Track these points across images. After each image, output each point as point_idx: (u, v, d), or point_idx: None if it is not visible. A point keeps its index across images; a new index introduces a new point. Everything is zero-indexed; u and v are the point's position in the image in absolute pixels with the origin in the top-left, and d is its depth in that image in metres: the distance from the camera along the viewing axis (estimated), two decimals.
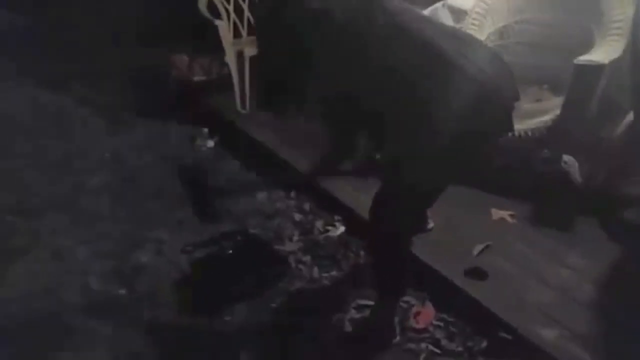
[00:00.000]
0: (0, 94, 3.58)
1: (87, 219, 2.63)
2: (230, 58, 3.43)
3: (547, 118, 2.64)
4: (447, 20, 2.96)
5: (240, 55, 3.37)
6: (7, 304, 2.17)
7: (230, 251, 2.49)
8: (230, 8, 3.39)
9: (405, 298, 2.19)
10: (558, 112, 2.57)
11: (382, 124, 1.82)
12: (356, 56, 1.73)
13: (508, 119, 1.85)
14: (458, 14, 2.97)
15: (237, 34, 3.45)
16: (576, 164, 2.56)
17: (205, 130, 3.40)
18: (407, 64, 1.71)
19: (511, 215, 2.54)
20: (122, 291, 2.26)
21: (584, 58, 2.42)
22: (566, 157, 2.55)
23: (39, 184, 2.85)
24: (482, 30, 2.85)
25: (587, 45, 2.60)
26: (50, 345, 2.02)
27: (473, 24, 2.87)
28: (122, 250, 2.46)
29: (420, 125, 1.72)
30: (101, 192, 2.83)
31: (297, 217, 2.70)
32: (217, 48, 3.40)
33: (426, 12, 2.96)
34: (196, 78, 3.72)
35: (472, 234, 2.43)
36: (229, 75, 3.46)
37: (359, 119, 1.92)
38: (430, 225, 2.44)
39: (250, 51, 3.29)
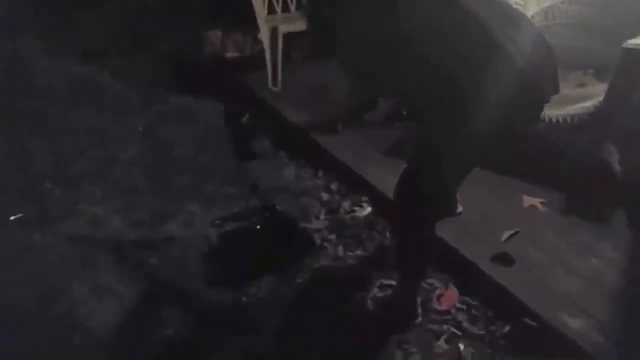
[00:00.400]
0: (37, 69, 3.66)
1: (120, 190, 2.70)
2: (263, 34, 3.43)
3: (589, 104, 2.55)
4: None
5: (274, 32, 3.36)
6: (44, 267, 2.25)
7: (258, 226, 2.52)
8: None
9: (429, 280, 2.18)
10: (601, 98, 2.49)
11: (414, 99, 1.79)
12: (393, 25, 1.67)
13: (538, 111, 1.80)
14: None
15: (271, 10, 3.44)
16: (617, 154, 2.48)
17: (237, 106, 3.42)
18: (446, 38, 1.64)
19: (542, 203, 2.49)
20: (153, 260, 2.30)
21: (632, 42, 2.33)
22: (606, 146, 2.48)
23: (74, 155, 2.93)
24: (526, 9, 2.78)
25: (637, 28, 2.50)
26: (83, 309, 2.09)
27: (517, 3, 2.79)
28: (154, 221, 2.51)
29: (452, 105, 1.67)
30: (134, 165, 2.88)
31: (324, 196, 2.70)
32: (252, 24, 3.40)
33: None
34: (229, 54, 3.73)
35: (501, 220, 2.40)
36: (262, 52, 3.46)
37: (391, 92, 1.89)
38: (460, 209, 2.41)
39: (284, 28, 3.29)
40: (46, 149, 2.96)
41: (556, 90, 1.79)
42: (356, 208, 2.63)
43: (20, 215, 2.52)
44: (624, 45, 2.33)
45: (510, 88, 1.62)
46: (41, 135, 3.07)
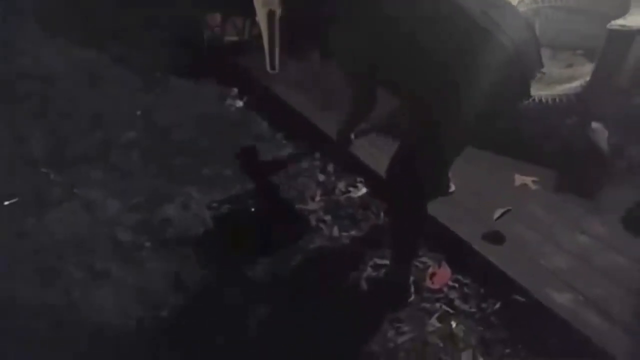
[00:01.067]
0: (37, 53, 3.67)
1: (118, 173, 2.73)
2: (260, 18, 3.42)
3: (577, 84, 2.59)
4: None
5: (271, 15, 3.36)
6: (39, 253, 2.30)
7: (254, 209, 2.56)
8: None
9: (422, 259, 2.24)
10: (588, 78, 2.52)
11: (400, 79, 1.84)
12: (380, 13, 1.76)
13: (526, 87, 1.84)
14: None
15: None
16: (605, 132, 2.52)
17: (235, 90, 3.45)
18: (434, 24, 1.72)
19: (534, 182, 2.53)
20: (148, 243, 2.36)
21: (617, 23, 2.36)
22: (595, 125, 2.51)
23: (72, 138, 2.95)
24: None
25: (623, 10, 2.53)
26: (79, 292, 2.15)
27: None
28: (151, 204, 2.56)
29: (444, 87, 1.73)
30: (132, 148, 2.91)
31: (321, 177, 2.74)
32: (251, 8, 3.41)
33: None
34: (228, 38, 3.74)
35: (493, 198, 2.44)
36: (261, 36, 3.46)
37: (381, 76, 1.93)
38: (452, 188, 2.45)
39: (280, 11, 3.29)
40: (44, 133, 2.98)
41: (540, 65, 1.86)
42: (351, 188, 2.67)
43: (15, 200, 2.55)
44: (608, 26, 2.36)
45: (497, 66, 1.70)
46: (39, 119, 3.09)
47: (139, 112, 3.22)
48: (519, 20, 1.84)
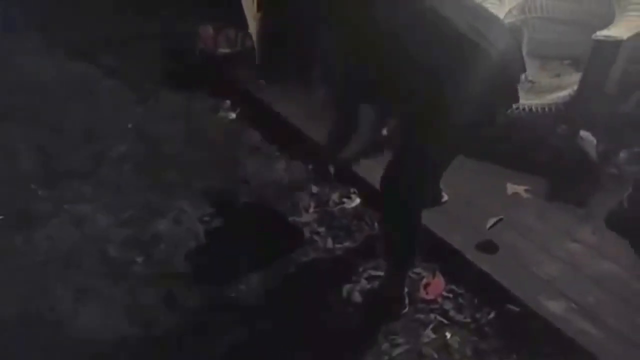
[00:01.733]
0: (28, 64, 3.66)
1: (109, 188, 2.72)
2: (253, 30, 3.44)
3: (565, 93, 2.62)
4: None
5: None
6: (28, 269, 2.28)
7: (247, 222, 2.56)
8: None
9: (416, 269, 2.24)
10: (576, 87, 2.56)
11: (390, 93, 1.85)
12: (366, 25, 1.77)
13: (514, 91, 1.87)
14: None
15: (260, 6, 3.45)
16: (593, 141, 2.55)
17: (228, 102, 3.45)
18: (416, 33, 1.74)
19: (526, 190, 2.55)
20: (139, 259, 2.35)
21: (602, 33, 2.40)
22: (583, 134, 2.54)
23: (62, 152, 2.94)
24: (502, 4, 2.84)
25: (610, 21, 2.57)
26: (66, 309, 2.12)
27: None
28: (142, 218, 2.54)
29: (428, 95, 1.75)
30: (123, 162, 2.90)
31: (314, 189, 2.75)
32: (243, 20, 3.42)
33: None
34: (221, 50, 3.75)
35: (486, 207, 2.46)
36: (254, 47, 3.48)
37: (366, 88, 1.95)
38: (445, 198, 2.46)
39: None
40: (33, 147, 2.97)
41: (523, 68, 1.89)
42: (345, 200, 2.68)
43: (1, 217, 2.53)
44: (593, 36, 2.40)
45: (482, 73, 1.73)
46: (29, 133, 3.07)
47: (130, 125, 3.21)
48: (501, 29, 1.87)
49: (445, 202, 2.45)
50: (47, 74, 3.60)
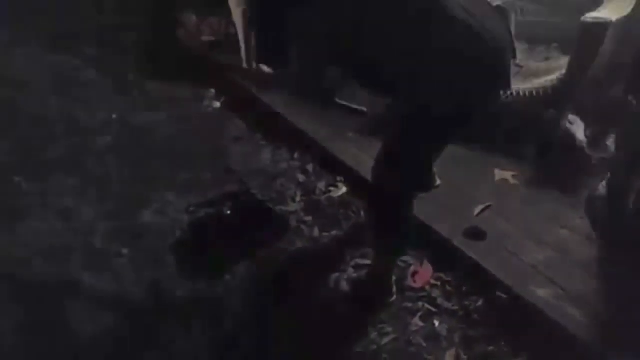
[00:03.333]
0: (9, 56, 3.60)
1: (93, 180, 2.68)
2: (236, 18, 3.39)
3: (553, 77, 2.60)
4: None
5: (245, 14, 3.33)
6: (14, 262, 2.24)
7: (232, 211, 2.52)
8: None
9: (404, 257, 2.22)
10: (564, 71, 2.53)
11: (380, 77, 1.81)
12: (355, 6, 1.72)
13: (506, 76, 1.83)
14: None
15: None
16: (582, 125, 2.53)
17: (213, 91, 3.41)
18: (408, 15, 1.69)
19: (514, 176, 2.53)
20: (125, 250, 2.31)
21: (590, 15, 2.37)
22: (572, 118, 2.52)
23: (45, 144, 2.89)
24: None
25: (596, 2, 2.54)
26: (55, 302, 2.09)
27: None
28: (127, 210, 2.51)
29: (420, 80, 1.72)
30: (107, 153, 2.86)
31: (300, 178, 2.72)
32: (227, 8, 3.37)
33: None
34: (204, 38, 3.70)
35: (473, 194, 2.44)
36: (237, 35, 3.43)
37: (355, 73, 1.91)
38: (438, 182, 2.42)
39: None
40: (15, 140, 2.92)
41: (514, 53, 1.85)
42: (332, 188, 2.65)
43: None
44: (582, 19, 2.36)
45: (470, 55, 1.69)
46: (10, 125, 3.02)
47: (114, 116, 3.17)
48: (490, 11, 1.84)
49: (439, 186, 2.42)
50: (27, 66, 3.54)
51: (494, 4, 2.76)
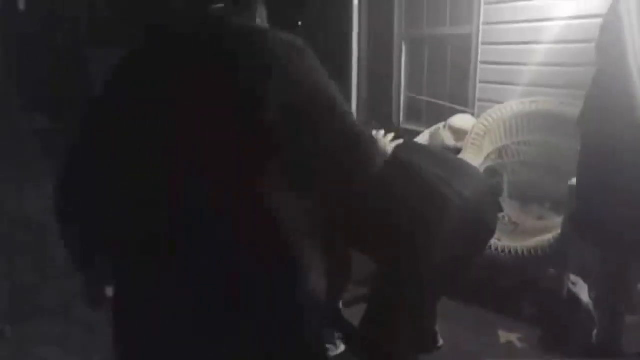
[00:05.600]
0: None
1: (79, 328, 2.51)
2: None
3: (549, 237, 2.62)
4: (449, 140, 3.01)
5: None
6: None
7: None
8: None
9: None
10: (558, 231, 2.56)
11: (366, 244, 1.89)
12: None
13: (489, 232, 1.96)
14: (459, 134, 3.04)
15: None
16: (585, 285, 2.50)
17: None
18: (390, 188, 1.77)
19: (519, 339, 2.45)
20: None
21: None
22: (574, 278, 2.50)
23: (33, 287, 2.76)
24: (481, 149, 2.94)
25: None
26: None
27: (473, 144, 2.97)
28: None
29: (404, 248, 1.78)
30: None
31: None
32: None
33: (428, 131, 3.05)
34: None
35: (478, 356, 2.34)
36: None
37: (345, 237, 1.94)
38: (440, 342, 2.35)
39: None
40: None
41: (499, 208, 2.05)
42: (329, 346, 2.51)
43: None
44: (569, 182, 2.41)
45: (453, 224, 1.80)
46: None
47: None
48: (474, 176, 1.99)
49: (441, 346, 2.33)
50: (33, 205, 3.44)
51: (486, 164, 2.91)
